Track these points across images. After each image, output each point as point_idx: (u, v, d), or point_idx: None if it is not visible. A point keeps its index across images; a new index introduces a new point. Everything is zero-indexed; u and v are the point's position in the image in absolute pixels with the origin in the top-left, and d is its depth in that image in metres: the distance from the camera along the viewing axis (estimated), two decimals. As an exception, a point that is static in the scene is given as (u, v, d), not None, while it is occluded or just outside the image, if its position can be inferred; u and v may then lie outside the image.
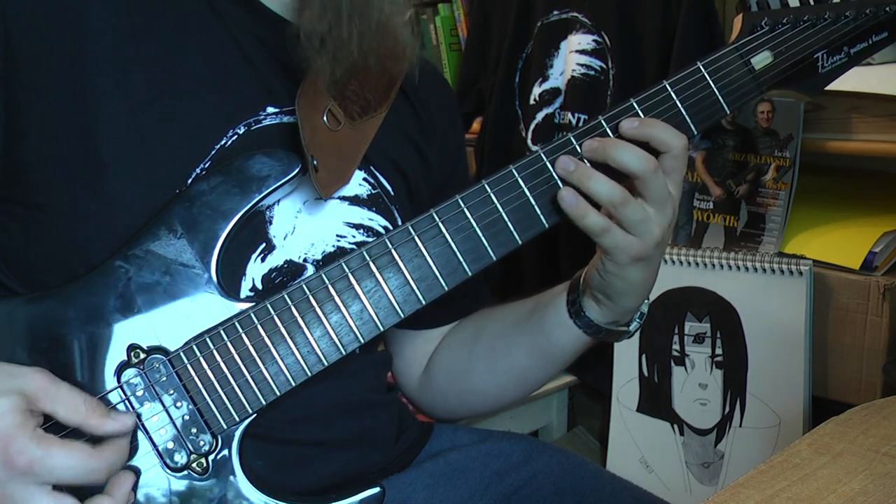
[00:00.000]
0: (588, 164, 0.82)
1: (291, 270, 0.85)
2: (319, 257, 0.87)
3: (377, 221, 0.91)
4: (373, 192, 0.91)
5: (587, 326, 0.91)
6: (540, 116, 1.77)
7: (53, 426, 0.70)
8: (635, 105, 0.84)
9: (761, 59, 0.88)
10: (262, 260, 0.84)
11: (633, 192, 0.81)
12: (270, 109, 0.85)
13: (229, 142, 0.82)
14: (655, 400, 1.56)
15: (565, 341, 0.93)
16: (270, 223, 0.85)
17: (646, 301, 0.92)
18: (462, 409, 1.05)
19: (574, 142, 0.83)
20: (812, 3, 0.91)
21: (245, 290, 0.83)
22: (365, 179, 0.90)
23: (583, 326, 0.91)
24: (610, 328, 0.91)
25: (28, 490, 0.67)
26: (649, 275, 0.87)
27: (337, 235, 0.88)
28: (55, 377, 0.70)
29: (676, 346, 1.53)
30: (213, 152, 0.82)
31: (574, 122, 1.69)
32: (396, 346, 1.05)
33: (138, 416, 0.76)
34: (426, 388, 1.05)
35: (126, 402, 0.76)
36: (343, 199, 0.89)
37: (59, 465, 0.67)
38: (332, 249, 0.87)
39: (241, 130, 0.83)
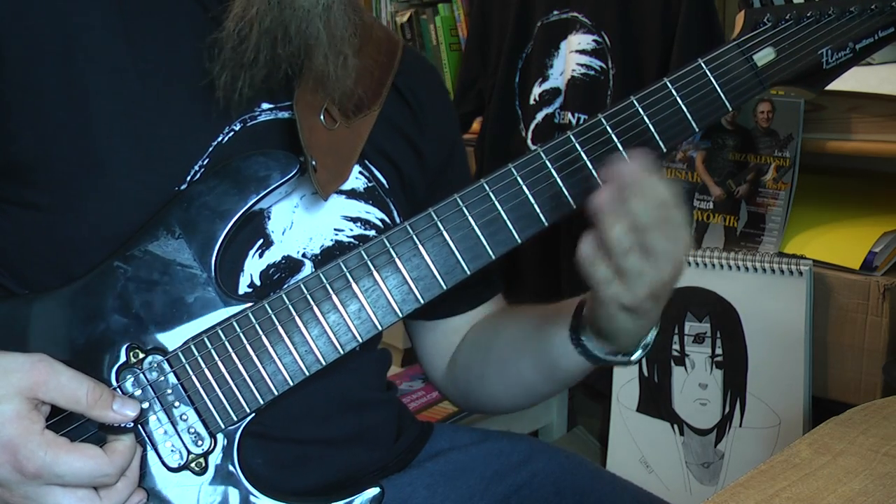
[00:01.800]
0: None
1: (289, 266, 0.85)
2: (318, 252, 0.87)
3: (374, 214, 0.90)
4: (369, 185, 0.91)
5: (587, 355, 0.90)
6: (540, 116, 1.77)
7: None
8: (636, 102, 0.83)
9: (764, 56, 0.87)
10: (260, 256, 0.84)
11: None
12: (265, 106, 0.85)
13: (226, 139, 0.82)
14: (655, 400, 1.56)
15: (568, 364, 0.92)
16: (268, 219, 0.85)
17: (653, 330, 0.89)
18: (482, 408, 1.06)
19: (573, 140, 0.82)
20: (815, -2, 0.90)
21: (243, 287, 0.83)
22: (361, 173, 0.90)
23: (583, 354, 0.90)
24: (608, 359, 0.90)
25: (42, 490, 0.68)
26: (643, 323, 0.84)
27: (335, 229, 0.88)
28: (55, 365, 0.70)
29: (676, 346, 1.52)
30: (210, 149, 0.81)
31: (574, 121, 1.69)
32: (415, 338, 1.06)
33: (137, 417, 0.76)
34: (450, 384, 1.05)
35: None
36: (340, 192, 0.88)
37: (67, 470, 0.68)
38: (330, 244, 0.87)
39: (237, 127, 0.83)
